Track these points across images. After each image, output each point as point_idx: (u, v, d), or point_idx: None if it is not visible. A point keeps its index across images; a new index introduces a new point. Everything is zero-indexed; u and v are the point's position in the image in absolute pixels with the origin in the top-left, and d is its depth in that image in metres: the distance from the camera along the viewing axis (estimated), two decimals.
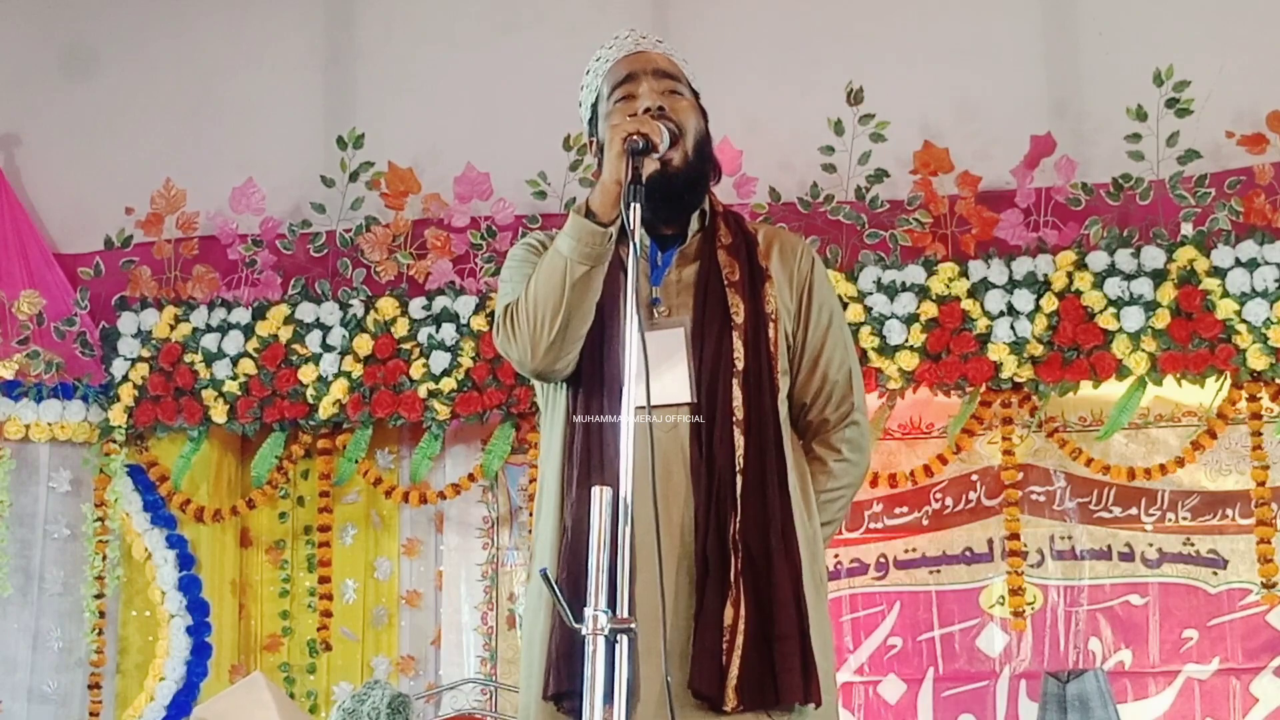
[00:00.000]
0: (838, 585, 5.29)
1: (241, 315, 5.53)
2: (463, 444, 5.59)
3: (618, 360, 2.49)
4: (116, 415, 5.50)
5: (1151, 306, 4.95)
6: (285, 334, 5.47)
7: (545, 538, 2.61)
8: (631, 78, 2.69)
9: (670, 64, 2.72)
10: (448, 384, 5.32)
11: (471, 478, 5.50)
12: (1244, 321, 4.88)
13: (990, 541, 5.26)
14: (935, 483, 5.30)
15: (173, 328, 5.55)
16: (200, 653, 5.46)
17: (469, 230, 5.53)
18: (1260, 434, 4.97)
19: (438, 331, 5.37)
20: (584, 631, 2.15)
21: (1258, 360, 4.88)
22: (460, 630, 5.62)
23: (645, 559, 2.41)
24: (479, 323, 5.35)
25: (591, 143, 2.79)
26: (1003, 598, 5.16)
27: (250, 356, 5.47)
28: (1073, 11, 5.56)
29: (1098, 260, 5.03)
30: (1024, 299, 5.04)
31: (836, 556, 5.32)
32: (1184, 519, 5.17)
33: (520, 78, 5.72)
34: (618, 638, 2.15)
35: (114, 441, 5.52)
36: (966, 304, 5.08)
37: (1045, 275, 5.06)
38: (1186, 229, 5.04)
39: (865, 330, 5.07)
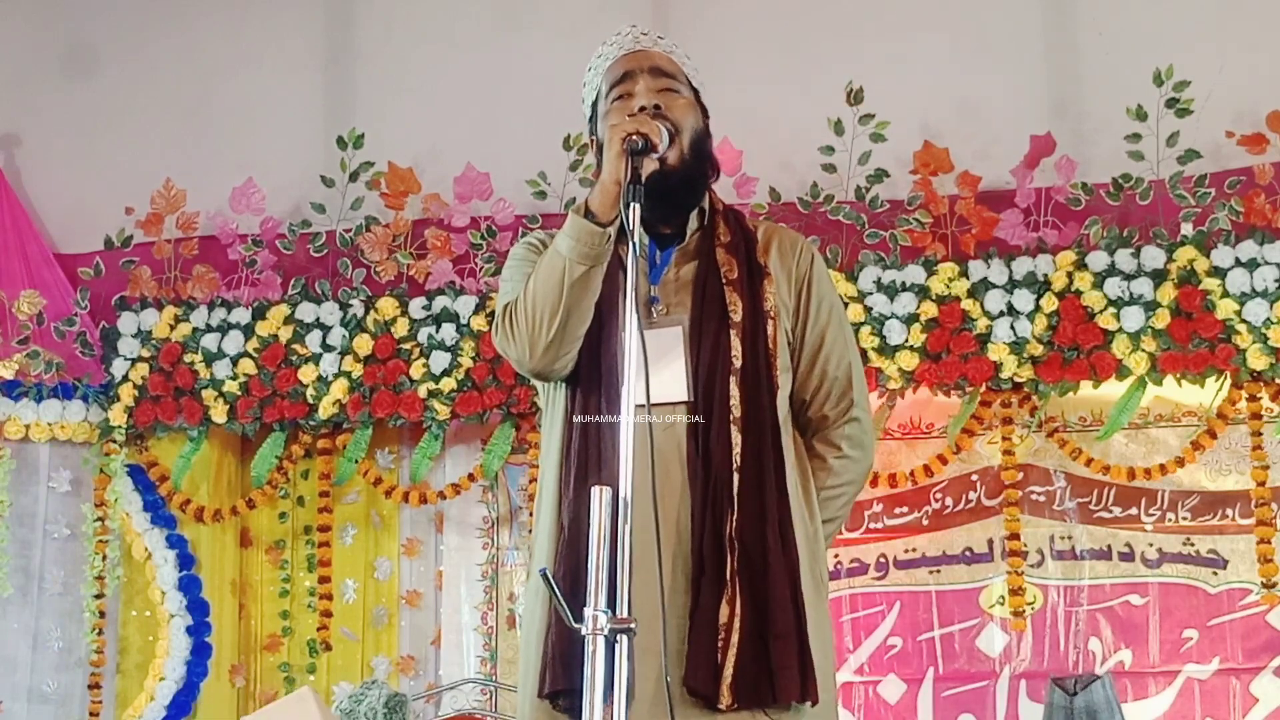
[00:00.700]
0: (838, 585, 5.29)
1: (241, 315, 5.53)
2: (463, 444, 5.59)
3: (616, 359, 2.49)
4: (116, 415, 5.50)
5: (1151, 306, 4.95)
6: (285, 334, 5.47)
7: (543, 537, 2.61)
8: (628, 76, 2.68)
9: (669, 61, 2.71)
10: (448, 384, 5.32)
11: (471, 478, 5.50)
12: (1244, 321, 4.88)
13: (990, 541, 5.26)
14: (935, 483, 5.30)
15: (173, 328, 5.55)
16: (200, 653, 5.46)
17: (469, 230, 5.53)
18: (1260, 434, 4.97)
19: (438, 331, 5.37)
20: (584, 631, 2.14)
21: (1258, 360, 4.88)
22: (460, 630, 5.62)
23: (643, 558, 2.41)
24: (479, 323, 5.35)
25: (592, 141, 2.79)
26: (1003, 598, 5.16)
27: (250, 356, 5.47)
28: (1073, 11, 5.55)
29: (1098, 260, 5.03)
30: (1024, 299, 5.04)
31: (836, 556, 5.32)
32: (1184, 519, 5.17)
33: (520, 78, 5.72)
34: (617, 638, 2.15)
35: (114, 441, 5.52)
36: (966, 304, 5.08)
37: (1045, 275, 5.06)
38: (1186, 229, 5.04)
39: (865, 330, 5.07)
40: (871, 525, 5.35)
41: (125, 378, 5.53)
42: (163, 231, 5.72)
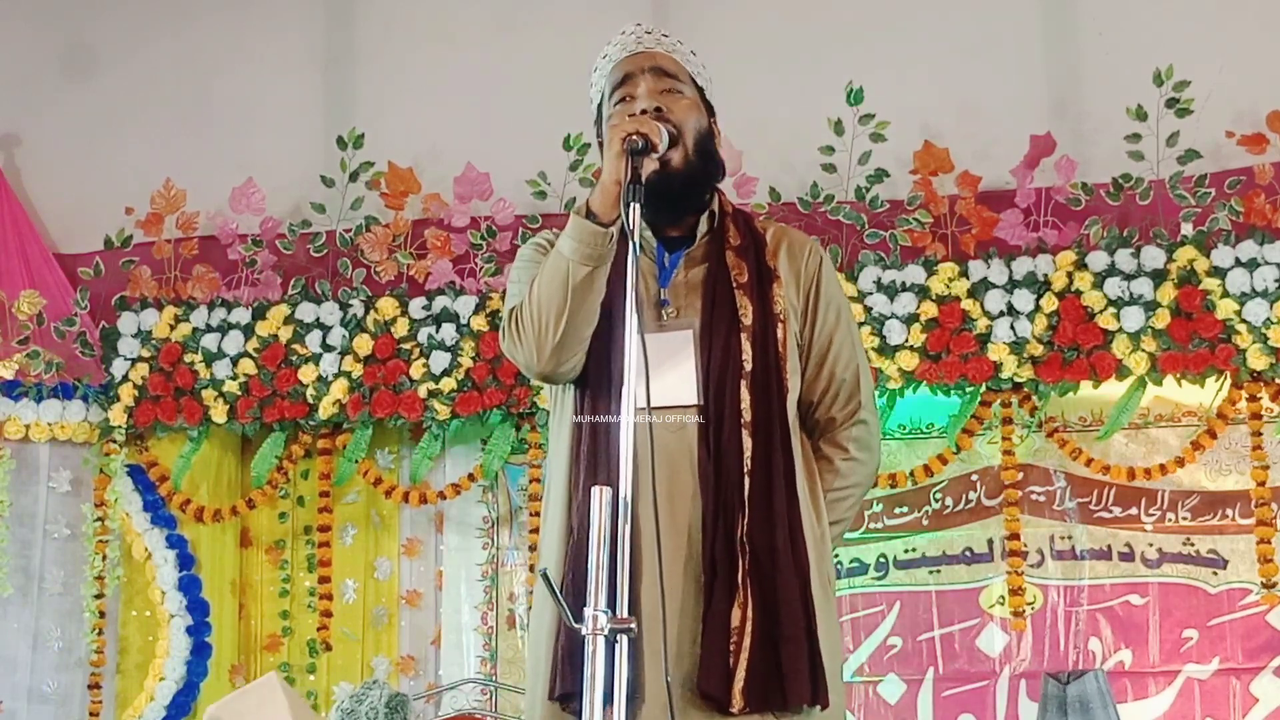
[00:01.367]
0: (837, 585, 5.27)
1: (241, 315, 5.53)
2: (463, 444, 5.59)
3: (624, 361, 2.49)
4: (116, 415, 5.50)
5: (1151, 306, 4.95)
6: (285, 334, 5.47)
7: (552, 538, 2.61)
8: (629, 79, 2.67)
9: (672, 61, 2.70)
10: (448, 384, 5.32)
11: (471, 478, 5.50)
12: (1244, 321, 4.89)
13: (990, 541, 5.26)
14: (935, 483, 5.30)
15: (173, 328, 5.55)
16: (200, 653, 5.46)
17: (469, 230, 5.54)
18: (1260, 434, 4.97)
19: (438, 331, 5.37)
20: (584, 631, 2.14)
21: (1258, 360, 4.88)
22: (460, 630, 5.62)
23: (650, 560, 2.42)
24: (479, 323, 5.35)
25: (599, 143, 2.78)
26: (1003, 598, 5.16)
27: (250, 356, 5.47)
28: (1073, 11, 5.56)
29: (1098, 260, 5.03)
30: (1024, 299, 5.04)
31: (836, 556, 5.28)
32: (1184, 519, 5.17)
33: (520, 78, 5.72)
34: (617, 638, 2.15)
35: (114, 441, 5.52)
36: (966, 304, 5.08)
37: (1045, 275, 5.06)
38: (1186, 229, 5.04)
39: (865, 330, 5.07)
40: (871, 525, 5.35)
41: (125, 378, 5.53)
42: (163, 231, 5.72)
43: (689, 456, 2.55)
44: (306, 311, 5.49)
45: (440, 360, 5.34)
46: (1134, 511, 5.21)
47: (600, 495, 2.18)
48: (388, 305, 5.43)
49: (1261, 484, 4.98)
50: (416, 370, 5.36)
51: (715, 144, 2.72)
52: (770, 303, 2.64)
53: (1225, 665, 5.06)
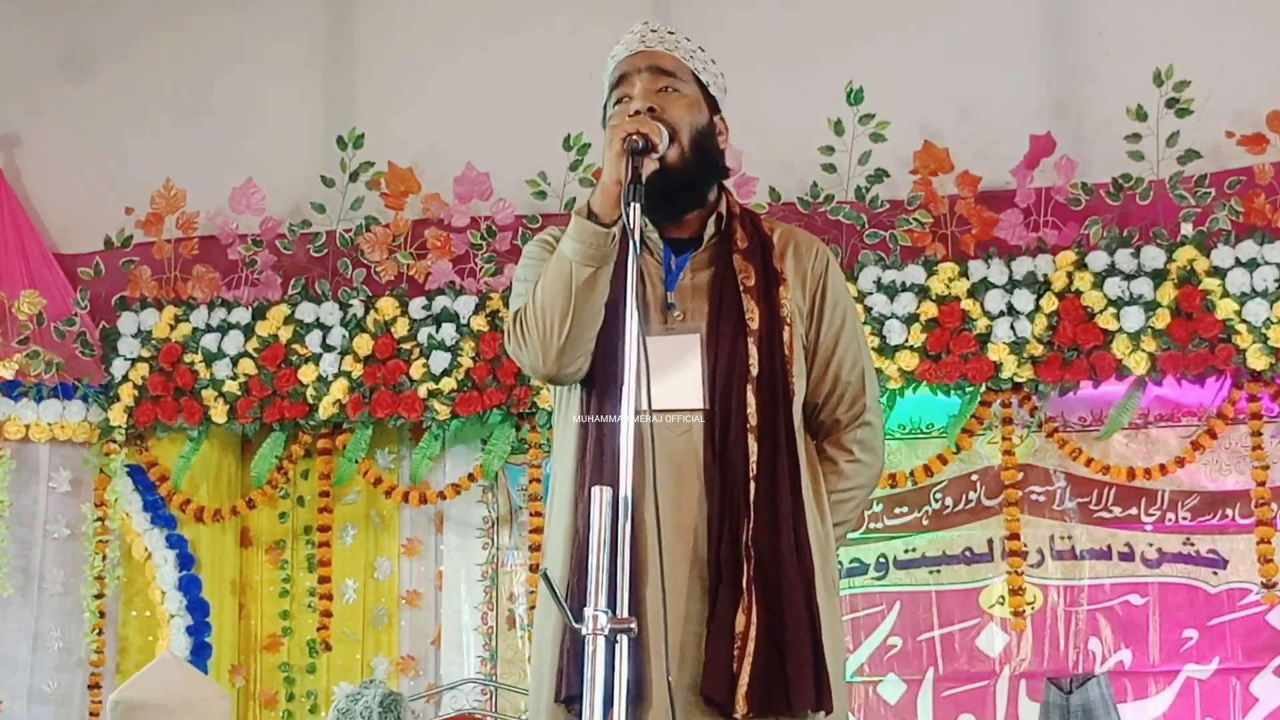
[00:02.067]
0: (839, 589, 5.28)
1: (241, 315, 5.53)
2: (463, 444, 5.59)
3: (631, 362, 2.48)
4: (116, 415, 5.50)
5: (1151, 306, 4.96)
6: (285, 334, 5.47)
7: (557, 539, 2.60)
8: (625, 79, 2.67)
9: (671, 59, 2.68)
10: (448, 384, 5.32)
11: (471, 478, 5.50)
12: (1244, 321, 4.89)
13: (990, 541, 5.26)
14: (935, 483, 5.30)
15: (173, 328, 5.55)
16: (200, 653, 5.46)
17: (469, 230, 5.53)
18: (1260, 434, 4.97)
19: (438, 331, 5.37)
20: (584, 632, 2.14)
21: (1258, 360, 4.88)
22: (460, 630, 5.62)
23: (654, 562, 2.42)
24: (479, 323, 5.35)
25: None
26: (1003, 598, 5.16)
27: (250, 356, 5.47)
28: (1073, 11, 5.56)
29: (1098, 260, 5.03)
30: (1024, 299, 5.04)
31: (838, 559, 5.31)
32: (1184, 519, 5.17)
33: (520, 78, 5.72)
34: (617, 638, 2.15)
35: (114, 441, 5.52)
36: (966, 304, 5.08)
37: (1045, 275, 5.06)
38: (1186, 229, 5.04)
39: (865, 330, 5.05)
40: (871, 525, 5.34)
41: (125, 378, 5.53)
42: (163, 231, 5.72)
43: (695, 459, 2.55)
44: (306, 311, 5.49)
45: (440, 360, 5.34)
46: (1134, 511, 5.21)
47: (601, 495, 2.18)
48: (388, 305, 5.43)
49: (1261, 484, 4.98)
50: (416, 370, 5.36)
51: (717, 141, 2.70)
52: (777, 306, 2.63)
53: (1225, 665, 5.06)
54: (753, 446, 2.54)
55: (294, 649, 5.69)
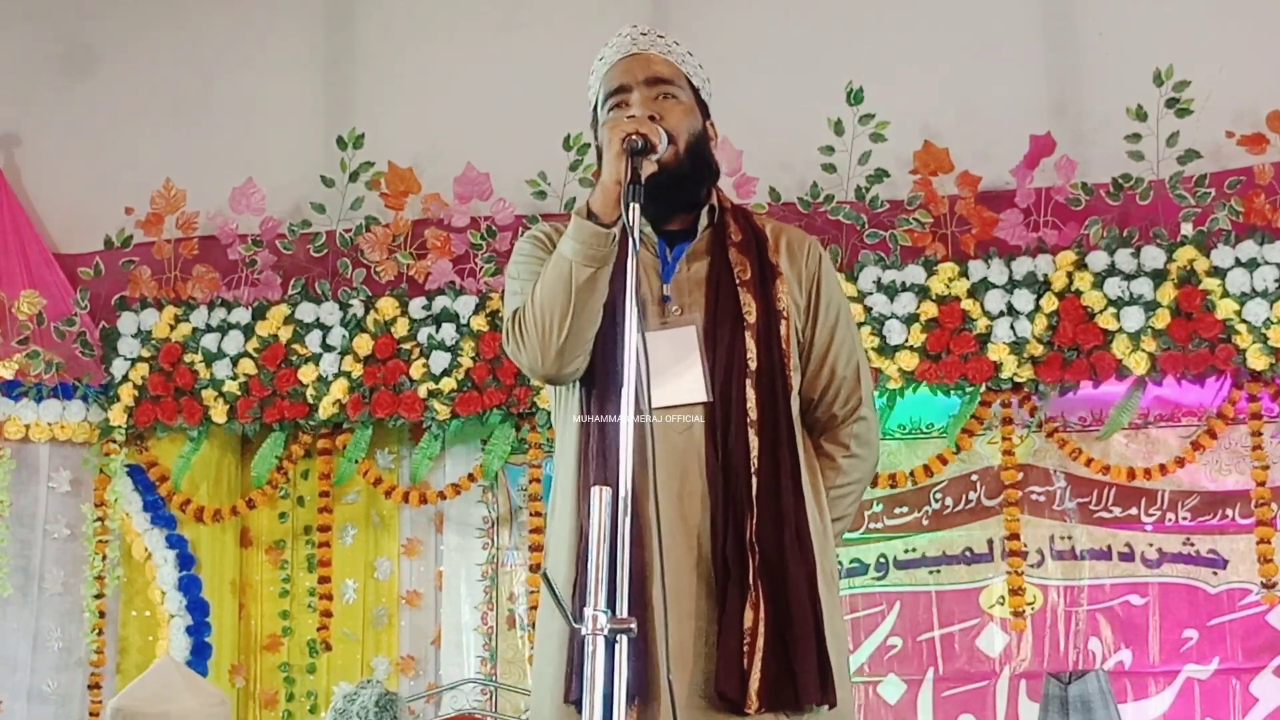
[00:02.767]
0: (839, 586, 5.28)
1: (241, 315, 5.53)
2: (463, 444, 5.59)
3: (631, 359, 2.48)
4: (116, 415, 5.50)
5: (1151, 306, 4.96)
6: (285, 334, 5.47)
7: (561, 539, 2.60)
8: (623, 88, 2.67)
9: (667, 65, 2.69)
10: (448, 384, 5.32)
11: (471, 478, 5.50)
12: (1244, 321, 4.89)
13: (990, 541, 5.26)
14: (935, 483, 5.30)
15: (173, 328, 5.56)
16: (200, 653, 5.46)
17: (469, 230, 5.54)
18: (1260, 434, 4.97)
19: (438, 331, 5.37)
20: (583, 632, 2.14)
21: (1258, 360, 4.88)
22: (460, 630, 5.62)
23: (669, 563, 2.43)
24: (479, 323, 5.35)
25: (596, 145, 2.77)
26: (1003, 598, 5.16)
27: (250, 356, 5.48)
28: (1072, 11, 5.56)
29: (1098, 260, 5.03)
30: (1024, 299, 5.04)
31: (836, 556, 5.31)
32: (1184, 519, 5.17)
33: (520, 78, 5.72)
34: (618, 638, 2.15)
35: (114, 441, 5.52)
36: (966, 304, 5.08)
37: (1045, 275, 5.06)
38: (1186, 229, 5.04)
39: (865, 330, 5.07)
40: (871, 525, 5.35)
41: (125, 378, 5.53)
42: (163, 231, 5.72)
43: (696, 456, 2.55)
44: (306, 311, 5.49)
45: (440, 360, 5.34)
46: (1134, 511, 5.21)
47: (600, 495, 2.18)
48: (388, 305, 5.43)
49: (1261, 484, 4.98)
50: (416, 370, 5.36)
51: (710, 146, 2.71)
52: (774, 300, 2.64)
53: (1225, 665, 5.07)
54: (753, 441, 2.54)
55: (294, 649, 5.69)
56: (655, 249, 2.67)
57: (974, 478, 5.31)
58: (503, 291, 5.26)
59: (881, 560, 5.35)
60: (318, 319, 5.48)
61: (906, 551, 5.34)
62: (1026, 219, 5.22)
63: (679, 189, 2.65)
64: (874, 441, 2.77)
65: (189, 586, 5.49)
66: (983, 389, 5.09)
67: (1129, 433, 5.21)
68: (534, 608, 5.34)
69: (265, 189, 5.70)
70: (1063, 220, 5.19)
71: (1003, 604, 5.17)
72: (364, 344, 5.41)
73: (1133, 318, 4.95)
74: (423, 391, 5.34)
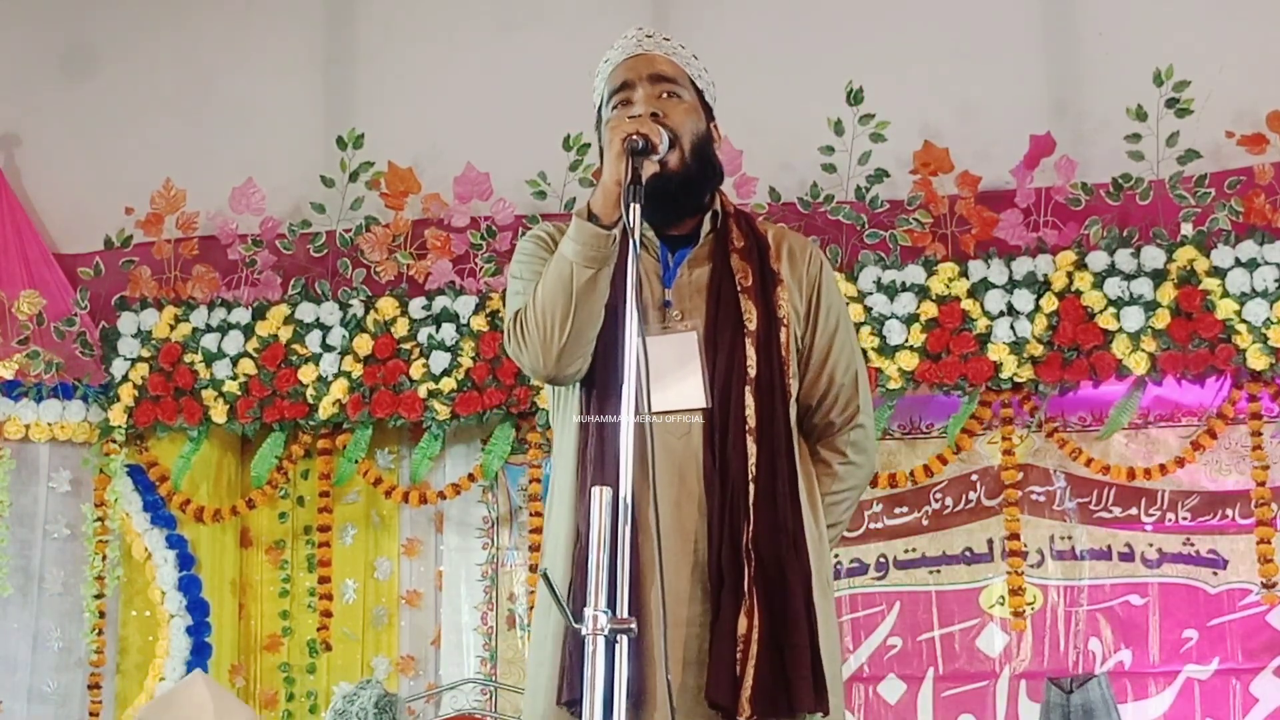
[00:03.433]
0: (838, 585, 5.28)
1: (241, 315, 5.53)
2: (463, 444, 5.59)
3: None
4: (116, 415, 5.50)
5: (1151, 306, 4.96)
6: (285, 334, 5.47)
7: (559, 539, 2.60)
8: (626, 85, 2.66)
9: (670, 65, 2.69)
10: (448, 384, 5.32)
11: (471, 478, 5.50)
12: (1244, 321, 4.89)
13: (990, 541, 5.26)
14: (935, 483, 5.30)
15: (173, 328, 5.56)
16: (200, 653, 5.46)
17: (469, 230, 5.54)
18: (1260, 434, 4.97)
19: (438, 331, 5.37)
20: (583, 632, 2.14)
21: (1258, 360, 4.88)
22: (460, 630, 5.62)
23: (655, 564, 2.42)
24: (479, 323, 5.35)
25: (602, 146, 2.77)
26: (1003, 598, 5.16)
27: (250, 356, 5.48)
28: (1072, 12, 5.56)
29: (1098, 260, 5.03)
30: (1024, 299, 5.04)
31: (836, 556, 5.31)
32: (1184, 519, 5.17)
33: (520, 78, 5.72)
34: (617, 638, 2.15)
35: (114, 441, 5.52)
36: (966, 304, 5.08)
37: (1045, 275, 5.06)
38: (1186, 229, 5.04)
39: (865, 330, 5.07)
40: (871, 525, 5.34)
41: (125, 378, 5.53)
42: (163, 231, 5.72)
43: (694, 461, 2.55)
44: (306, 311, 5.49)
45: (440, 360, 5.34)
46: (1134, 511, 5.21)
47: (600, 496, 2.18)
48: (388, 305, 5.43)
49: (1261, 484, 4.98)
50: (416, 370, 5.36)
51: (714, 147, 2.71)
52: (774, 307, 2.64)
53: (1225, 665, 5.06)
54: (751, 448, 2.54)
55: (294, 649, 5.69)
56: (657, 254, 2.66)
57: (974, 478, 5.31)
58: (503, 291, 5.30)
59: (881, 560, 5.35)
60: (318, 319, 5.48)
61: (906, 551, 5.34)
62: (1026, 219, 5.22)
63: (686, 193, 2.65)
64: (871, 449, 2.77)
65: (189, 586, 5.49)
66: (983, 389, 5.08)
67: (1129, 433, 5.20)
68: (534, 608, 5.34)
69: (265, 189, 5.70)
70: (1063, 220, 5.19)
71: (1003, 604, 5.17)
72: (364, 344, 5.41)
73: (1133, 318, 4.95)
74: (423, 391, 5.34)
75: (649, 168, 2.49)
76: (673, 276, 2.65)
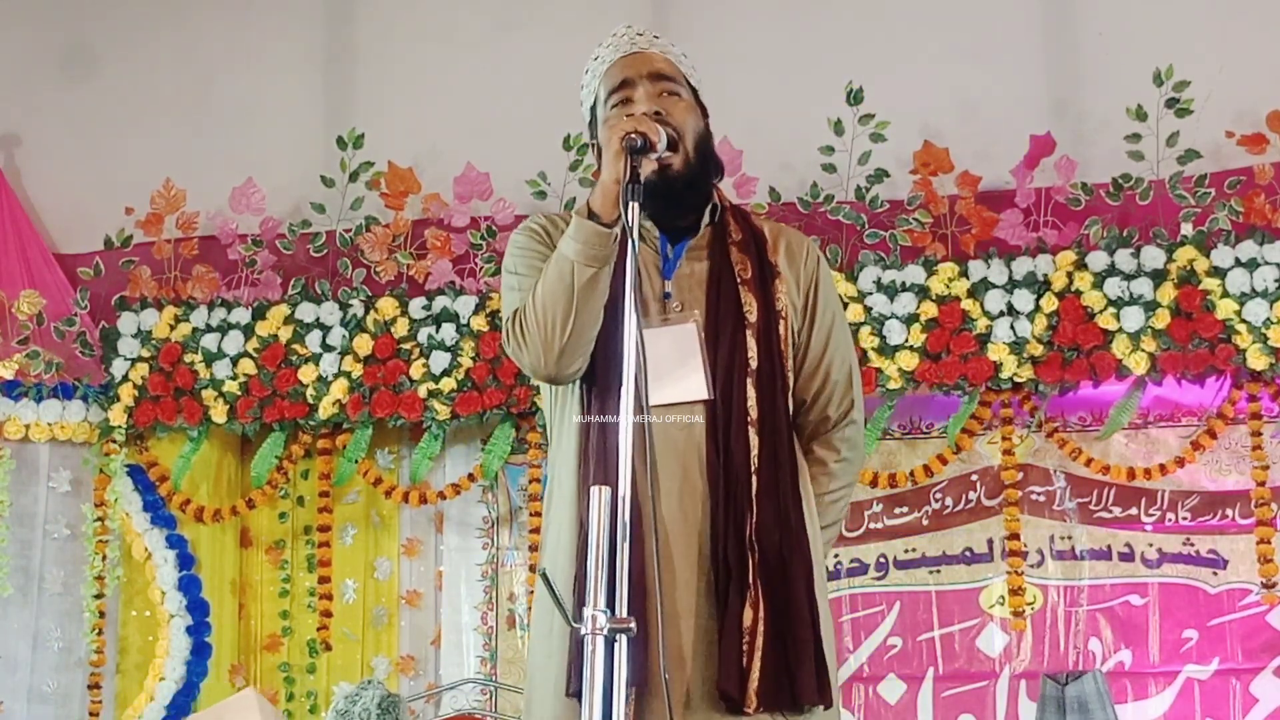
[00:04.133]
0: (837, 585, 5.29)
1: (241, 315, 5.53)
2: (463, 444, 5.59)
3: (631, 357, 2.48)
4: (116, 415, 5.50)
5: (1151, 306, 4.95)
6: (285, 334, 5.47)
7: (561, 536, 2.60)
8: (627, 83, 2.67)
9: (667, 63, 2.70)
10: (448, 384, 5.32)
11: (471, 478, 5.50)
12: (1244, 321, 4.89)
13: (990, 541, 5.26)
14: (935, 483, 5.30)
15: (173, 328, 5.56)
16: (200, 653, 5.47)
17: (469, 230, 5.54)
18: (1260, 434, 4.97)
19: (438, 331, 5.37)
20: (583, 631, 2.15)
21: (1258, 360, 4.88)
22: (460, 630, 5.62)
23: (671, 562, 2.44)
24: (479, 323, 5.35)
25: (593, 145, 2.78)
26: (1003, 598, 5.16)
27: (250, 356, 5.48)
28: (1073, 11, 5.56)
29: (1098, 260, 5.03)
30: (1024, 299, 5.04)
31: (836, 556, 5.32)
32: (1184, 519, 5.17)
33: (520, 78, 5.72)
34: (617, 637, 2.15)
35: (114, 441, 5.52)
36: (966, 304, 5.08)
37: (1045, 275, 5.06)
38: (1186, 229, 5.04)
39: (865, 330, 5.07)
40: (871, 525, 5.34)
41: (125, 378, 5.53)
42: (163, 231, 5.72)
43: (697, 454, 2.55)
44: (306, 311, 5.49)
45: (440, 360, 5.34)
46: (1134, 511, 5.21)
47: (600, 494, 2.18)
48: (388, 305, 5.43)
49: (1261, 484, 4.98)
50: (416, 370, 5.36)
51: (713, 145, 2.72)
52: (773, 299, 2.65)
53: (1225, 665, 5.06)
54: (753, 440, 2.55)
55: (294, 649, 5.69)
56: (657, 245, 2.67)
57: (974, 478, 5.31)
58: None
59: (881, 560, 5.35)
60: (318, 319, 5.48)
61: (906, 551, 5.34)
62: (1026, 219, 5.22)
63: (693, 190, 2.67)
64: (862, 445, 2.79)
65: (189, 586, 5.49)
66: (983, 389, 5.08)
67: (1129, 433, 5.20)
68: (534, 604, 5.34)
69: (265, 189, 5.70)
70: (1063, 220, 5.19)
71: (1003, 604, 5.17)
72: (364, 344, 5.41)
73: (1133, 318, 4.95)
74: (423, 391, 5.34)
75: (648, 166, 2.50)
76: (673, 268, 2.66)
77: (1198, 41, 5.27)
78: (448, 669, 5.59)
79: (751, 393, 2.57)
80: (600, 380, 2.58)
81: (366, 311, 5.45)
